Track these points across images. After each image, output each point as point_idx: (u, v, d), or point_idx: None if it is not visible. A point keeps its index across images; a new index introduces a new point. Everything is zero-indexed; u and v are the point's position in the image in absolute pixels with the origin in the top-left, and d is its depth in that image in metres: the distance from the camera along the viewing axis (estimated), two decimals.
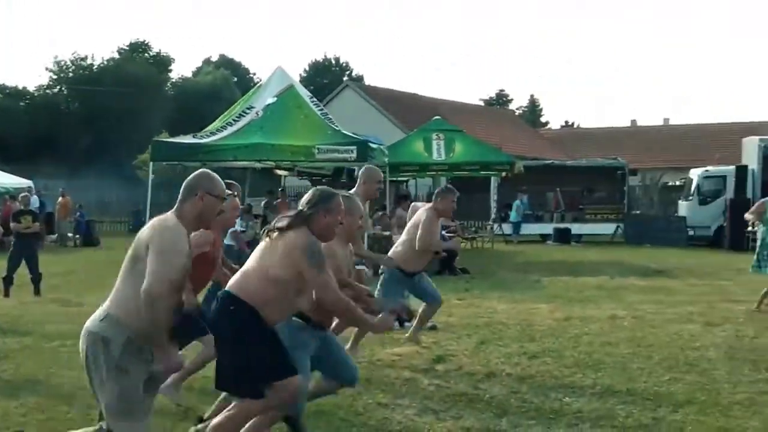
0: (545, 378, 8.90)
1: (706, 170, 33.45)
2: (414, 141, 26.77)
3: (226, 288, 5.72)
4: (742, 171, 29.72)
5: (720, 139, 52.55)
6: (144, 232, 5.19)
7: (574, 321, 12.75)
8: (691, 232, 32.06)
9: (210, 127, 21.73)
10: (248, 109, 21.53)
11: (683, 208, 33.63)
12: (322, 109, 22.84)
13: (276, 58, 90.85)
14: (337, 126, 21.59)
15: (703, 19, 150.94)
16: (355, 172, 19.36)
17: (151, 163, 21.33)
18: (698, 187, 32.72)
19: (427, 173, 30.10)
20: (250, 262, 5.73)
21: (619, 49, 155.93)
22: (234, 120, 21.33)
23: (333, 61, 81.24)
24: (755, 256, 14.45)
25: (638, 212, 37.24)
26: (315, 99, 23.60)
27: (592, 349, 10.46)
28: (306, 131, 20.65)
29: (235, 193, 8.02)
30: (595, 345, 10.78)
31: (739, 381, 8.67)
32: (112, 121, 58.02)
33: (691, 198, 32.94)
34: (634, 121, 69.19)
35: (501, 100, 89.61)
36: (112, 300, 5.19)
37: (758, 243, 14.47)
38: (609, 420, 7.28)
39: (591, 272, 20.53)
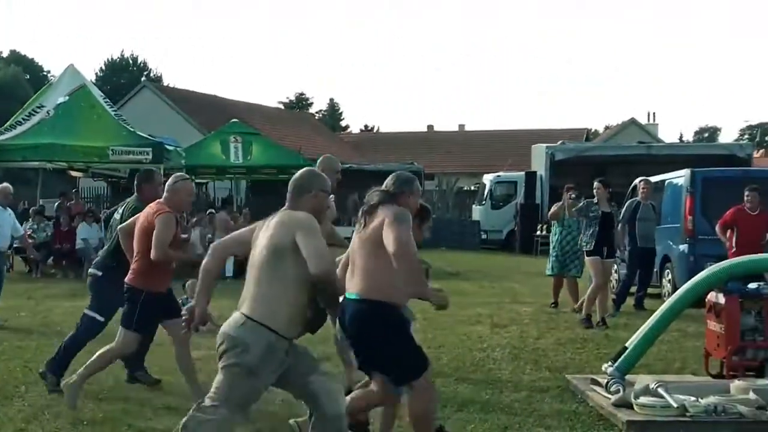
0: None
1: (498, 176, 34.67)
2: (211, 143, 26.54)
3: (352, 294, 5.83)
4: (531, 177, 30.87)
5: (511, 146, 54.34)
6: (273, 232, 5.26)
7: None
8: (484, 236, 33.07)
9: None
10: (38, 108, 20.85)
11: (477, 212, 34.70)
12: (116, 110, 22.39)
13: (71, 56, 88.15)
14: (131, 127, 21.21)
15: (490, 31, 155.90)
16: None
17: None
18: (491, 191, 33.85)
19: (226, 176, 29.93)
20: (357, 260, 5.90)
21: (415, 55, 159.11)
22: (24, 119, 20.65)
23: (130, 61, 79.34)
24: (551, 259, 14.89)
25: (434, 216, 37.99)
26: (108, 99, 23.06)
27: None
28: (100, 132, 20.20)
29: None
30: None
31: (520, 380, 9.04)
32: None
33: (484, 202, 34.02)
34: (431, 127, 70.73)
35: (301, 103, 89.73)
36: (251, 305, 5.23)
37: (552, 246, 14.91)
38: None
39: None
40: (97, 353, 7.93)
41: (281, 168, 26.91)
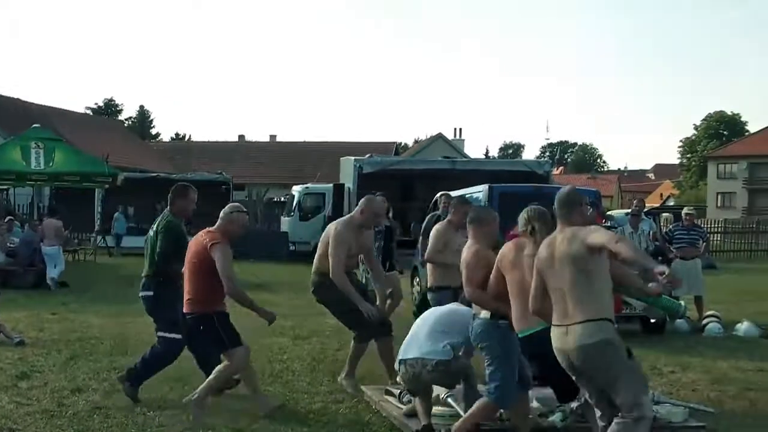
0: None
1: (307, 187, 34.86)
2: (11, 149, 25.61)
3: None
4: (339, 189, 31.11)
5: (322, 157, 54.75)
6: (570, 245, 5.89)
7: None
8: (292, 247, 33.11)
9: None
10: None
11: (285, 223, 34.73)
12: None
13: None
14: None
15: (301, 42, 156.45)
16: None
17: None
18: (299, 203, 33.96)
19: (27, 182, 28.95)
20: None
21: (228, 64, 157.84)
22: None
23: None
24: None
25: None
26: None
27: (183, 363, 10.51)
28: None
29: None
30: (188, 359, 10.77)
31: (317, 391, 9.17)
32: None
33: (292, 214, 34.10)
34: (242, 137, 70.48)
35: (110, 109, 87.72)
36: (583, 309, 5.82)
37: None
38: None
39: None
40: (215, 371, 8.08)
41: (85, 175, 26.22)
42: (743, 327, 14.37)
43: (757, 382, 10.14)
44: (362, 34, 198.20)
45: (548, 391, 7.61)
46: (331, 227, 9.57)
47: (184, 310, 8.14)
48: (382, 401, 8.40)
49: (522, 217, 6.97)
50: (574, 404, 7.53)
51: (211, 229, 8.24)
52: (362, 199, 9.83)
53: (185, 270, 8.17)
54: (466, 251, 7.32)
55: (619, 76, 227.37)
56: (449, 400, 7.69)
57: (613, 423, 5.84)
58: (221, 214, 8.33)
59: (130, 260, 30.24)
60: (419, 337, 7.35)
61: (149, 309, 8.91)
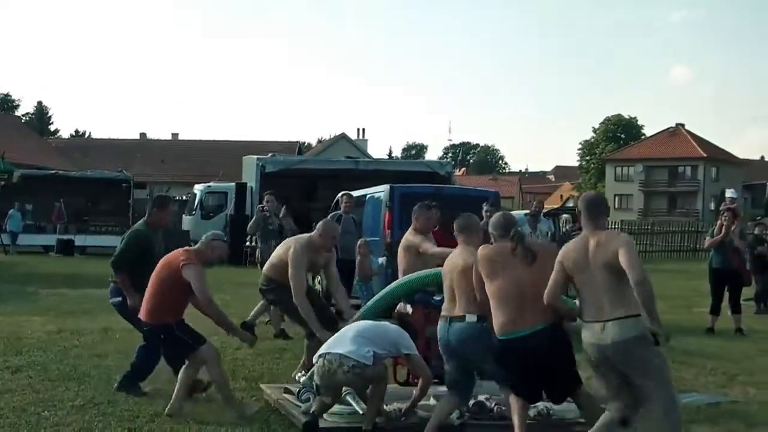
0: (26, 392, 8.76)
1: (209, 186, 34.64)
2: None
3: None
4: (242, 188, 30.96)
5: (225, 156, 54.37)
6: (606, 251, 6.32)
7: (66, 334, 12.68)
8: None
9: None
10: None
11: (187, 222, 34.42)
12: None
13: None
14: None
15: (204, 41, 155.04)
16: None
17: None
18: (201, 202, 33.70)
19: None
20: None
21: (129, 60, 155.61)
22: None
23: None
24: None
25: None
26: None
27: (79, 362, 10.46)
28: None
29: None
30: (84, 357, 10.81)
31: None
32: None
33: (194, 212, 33.81)
34: (143, 134, 69.58)
35: (6, 104, 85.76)
36: (618, 306, 6.28)
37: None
38: None
39: (92, 284, 20.33)
40: (180, 376, 8.20)
41: None
42: None
43: None
44: (264, 33, 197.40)
45: (443, 389, 7.74)
46: (291, 245, 9.66)
47: (143, 319, 8.29)
48: (280, 399, 8.40)
49: (500, 224, 7.14)
50: (471, 402, 7.68)
51: (189, 248, 8.43)
52: (320, 223, 10.01)
53: (151, 279, 8.32)
54: (468, 258, 7.33)
55: (521, 77, 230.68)
56: (348, 397, 7.73)
57: (641, 419, 6.35)
58: (203, 238, 8.53)
59: (27, 258, 29.72)
60: (345, 338, 7.44)
61: (121, 314, 9.33)
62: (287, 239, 10.26)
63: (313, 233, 9.91)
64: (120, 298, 9.17)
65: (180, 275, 8.07)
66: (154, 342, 8.53)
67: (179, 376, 8.21)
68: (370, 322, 7.89)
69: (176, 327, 8.16)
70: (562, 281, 6.58)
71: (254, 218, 15.99)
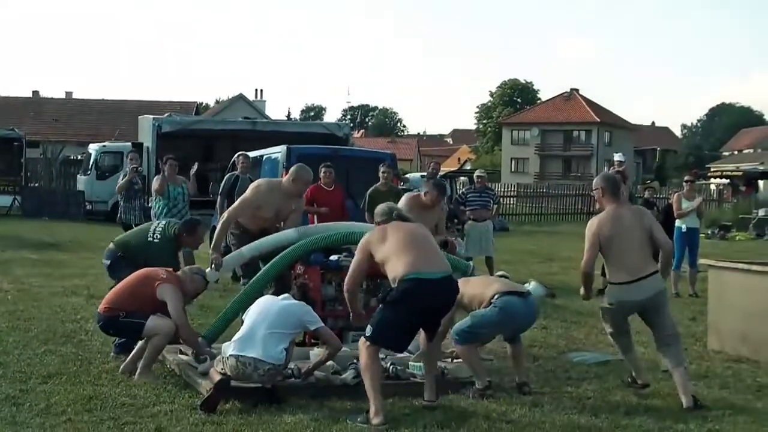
0: None
1: (104, 145, 34.09)
2: None
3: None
4: (138, 148, 30.54)
5: (121, 116, 53.49)
6: (642, 221, 7.96)
7: None
8: (89, 206, 32.35)
9: None
10: None
11: (82, 182, 33.87)
12: None
13: None
14: None
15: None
16: None
17: None
18: (96, 162, 33.15)
19: None
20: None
21: (11, 15, 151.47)
22: None
23: None
24: None
25: (37, 185, 36.80)
26: None
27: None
28: None
29: None
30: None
31: (111, 351, 8.99)
32: None
33: (89, 172, 33.25)
34: (36, 92, 67.84)
35: None
36: (652, 264, 7.93)
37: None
38: None
39: None
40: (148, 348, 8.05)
41: None
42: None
43: (541, 340, 10.67)
44: None
45: (345, 351, 7.83)
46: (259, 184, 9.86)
47: (102, 310, 8.26)
48: (176, 360, 8.39)
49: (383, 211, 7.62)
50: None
51: (170, 270, 8.39)
52: (293, 168, 9.94)
53: (125, 283, 8.39)
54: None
55: (419, 40, 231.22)
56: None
57: (665, 346, 7.92)
58: (186, 268, 8.63)
59: None
60: (257, 337, 7.26)
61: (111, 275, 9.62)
62: (258, 180, 10.36)
63: (284, 179, 9.85)
64: (109, 262, 9.53)
65: (154, 291, 8.05)
66: (107, 331, 8.46)
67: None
68: (274, 306, 7.57)
69: (122, 316, 8.06)
70: (596, 252, 7.93)
71: (126, 178, 15.67)
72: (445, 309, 7.34)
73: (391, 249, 7.10)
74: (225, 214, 9.59)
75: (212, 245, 9.59)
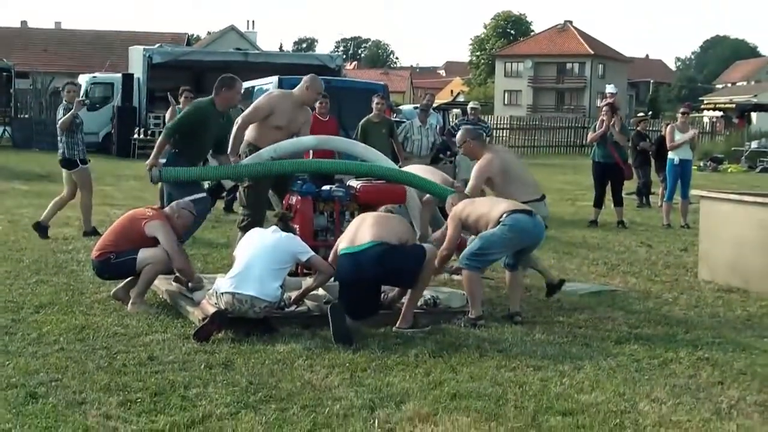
0: None
1: (95, 77, 33.81)
2: None
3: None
4: (128, 79, 30.37)
5: (110, 47, 53.02)
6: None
7: None
8: None
9: None
10: None
11: None
12: None
13: None
14: None
15: None
16: None
17: None
18: (87, 93, 32.88)
19: None
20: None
21: None
22: None
23: None
24: None
25: (27, 116, 36.57)
26: None
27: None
28: None
29: None
30: None
31: (104, 282, 8.85)
32: None
33: None
34: (24, 22, 67.07)
35: None
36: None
37: None
38: None
39: None
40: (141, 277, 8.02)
41: None
42: None
43: (532, 270, 10.68)
44: None
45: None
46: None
47: (94, 256, 8.20)
48: (168, 289, 8.38)
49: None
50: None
51: (155, 208, 8.45)
52: (306, 77, 9.78)
53: (115, 225, 8.39)
54: None
55: None
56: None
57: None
58: (173, 203, 8.48)
59: None
60: (253, 274, 7.20)
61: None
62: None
63: (296, 88, 9.75)
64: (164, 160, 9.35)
65: (142, 231, 8.02)
66: (102, 276, 8.39)
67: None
68: (268, 242, 7.58)
69: (113, 258, 8.02)
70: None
71: (72, 110, 15.14)
72: None
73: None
74: (239, 119, 9.41)
75: (229, 150, 9.34)
